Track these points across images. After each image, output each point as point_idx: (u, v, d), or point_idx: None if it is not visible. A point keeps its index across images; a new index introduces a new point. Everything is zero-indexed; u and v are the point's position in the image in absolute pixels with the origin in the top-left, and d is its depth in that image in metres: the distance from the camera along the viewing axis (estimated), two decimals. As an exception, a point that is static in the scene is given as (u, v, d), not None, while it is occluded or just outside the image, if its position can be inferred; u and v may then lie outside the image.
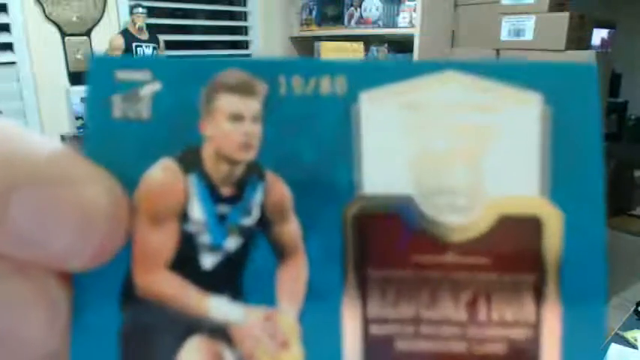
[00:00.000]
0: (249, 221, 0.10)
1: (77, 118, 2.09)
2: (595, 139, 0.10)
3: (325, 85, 0.10)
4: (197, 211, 0.10)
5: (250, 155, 0.10)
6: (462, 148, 0.10)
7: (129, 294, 0.10)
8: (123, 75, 0.10)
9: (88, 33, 2.13)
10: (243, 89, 0.10)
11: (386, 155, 0.10)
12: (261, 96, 0.10)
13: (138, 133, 0.10)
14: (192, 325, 0.10)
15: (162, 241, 0.10)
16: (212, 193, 0.10)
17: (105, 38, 2.13)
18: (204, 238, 0.10)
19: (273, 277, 0.10)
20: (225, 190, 0.10)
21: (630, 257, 2.83)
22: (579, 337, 0.10)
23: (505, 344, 0.10)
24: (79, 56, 2.12)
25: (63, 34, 2.08)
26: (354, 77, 0.10)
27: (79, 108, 2.12)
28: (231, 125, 0.10)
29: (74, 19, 2.09)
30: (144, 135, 0.10)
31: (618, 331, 1.03)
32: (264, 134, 0.10)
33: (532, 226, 0.10)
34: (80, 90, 2.10)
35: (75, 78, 2.11)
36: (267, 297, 0.10)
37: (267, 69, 0.10)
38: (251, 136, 0.10)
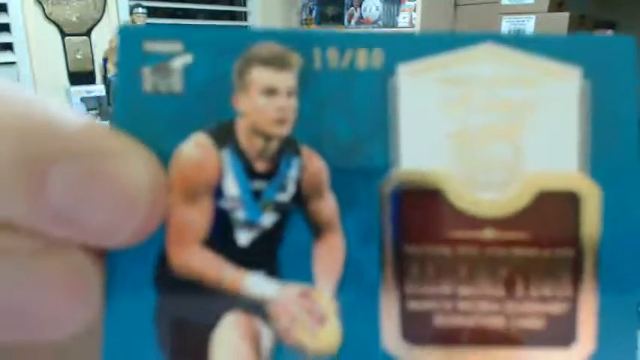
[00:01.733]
0: (284, 197, 0.10)
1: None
2: (632, 114, 0.10)
3: (362, 58, 0.10)
4: (231, 187, 0.10)
5: (285, 130, 0.10)
6: (501, 123, 0.10)
7: (163, 272, 0.10)
8: (152, 46, 0.10)
9: (88, 33, 2.13)
10: (277, 62, 0.10)
11: (424, 130, 0.10)
12: (295, 69, 0.10)
13: (169, 106, 0.10)
14: (228, 302, 0.10)
15: (196, 218, 0.10)
16: (246, 169, 0.10)
17: (105, 38, 2.13)
18: (240, 215, 0.10)
19: (309, 253, 0.10)
20: (260, 166, 0.10)
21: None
22: (615, 315, 0.10)
23: (542, 319, 0.10)
24: (79, 56, 2.12)
25: (63, 34, 2.08)
26: (391, 50, 0.10)
27: (79, 108, 2.12)
28: (266, 99, 0.10)
29: (74, 19, 2.09)
30: (176, 109, 0.10)
31: None
32: (299, 109, 0.10)
33: (571, 202, 0.10)
34: (80, 90, 2.10)
35: (75, 78, 2.11)
36: (303, 273, 0.10)
37: (302, 41, 0.10)
38: (286, 111, 0.10)
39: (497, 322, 0.10)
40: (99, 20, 2.13)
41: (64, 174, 0.08)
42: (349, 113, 0.10)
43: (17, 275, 0.08)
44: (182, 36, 0.10)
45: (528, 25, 1.94)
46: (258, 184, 0.10)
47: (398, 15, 2.35)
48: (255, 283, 0.10)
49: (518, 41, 0.10)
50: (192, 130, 0.10)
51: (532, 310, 0.10)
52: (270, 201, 0.10)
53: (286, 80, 0.10)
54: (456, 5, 2.26)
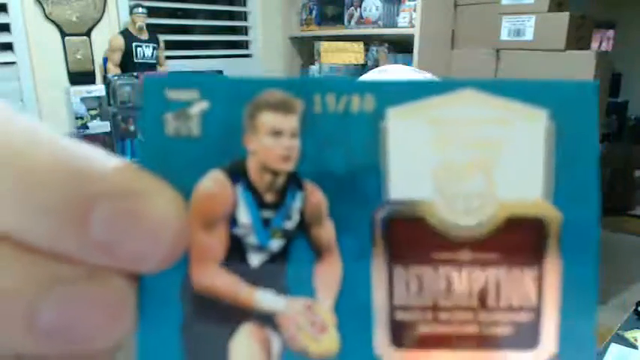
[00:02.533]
0: (290, 225, 0.12)
1: (77, 118, 2.09)
2: (593, 150, 0.11)
3: (355, 102, 0.11)
4: (244, 216, 0.11)
5: (290, 166, 0.11)
6: (478, 159, 0.11)
7: (187, 290, 0.11)
8: (173, 94, 0.11)
9: (88, 33, 2.11)
10: (282, 107, 0.11)
11: (410, 165, 0.11)
12: (298, 113, 0.11)
13: (189, 148, 0.11)
14: (243, 315, 0.11)
15: (214, 243, 0.11)
16: (257, 200, 0.11)
17: (105, 38, 2.12)
18: (251, 240, 0.11)
19: (311, 272, 0.11)
20: (269, 198, 0.11)
21: (630, 257, 2.85)
22: (574, 322, 0.11)
23: (510, 326, 0.11)
24: (79, 56, 2.11)
25: (63, 34, 2.06)
26: (381, 95, 0.11)
27: (79, 108, 2.12)
28: (273, 140, 0.11)
29: (74, 19, 2.07)
30: (195, 150, 0.11)
31: (618, 331, 1.03)
32: (301, 147, 0.11)
33: (536, 225, 0.11)
34: (80, 90, 2.09)
35: (75, 78, 2.10)
36: (306, 289, 0.11)
37: (304, 88, 0.11)
38: (290, 150, 0.11)
39: (472, 329, 0.11)
40: (99, 20, 2.12)
41: (104, 212, 0.09)
42: (345, 151, 0.11)
43: (69, 298, 0.10)
44: (199, 85, 0.11)
45: (528, 25, 1.91)
46: (267, 214, 0.11)
47: (398, 15, 2.34)
48: (266, 299, 0.11)
49: (494, 86, 0.11)
50: (209, 168, 0.11)
51: (502, 318, 0.11)
52: (278, 228, 0.11)
53: (290, 123, 0.11)
54: (456, 5, 2.25)
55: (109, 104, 1.87)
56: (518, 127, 0.11)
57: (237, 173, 0.11)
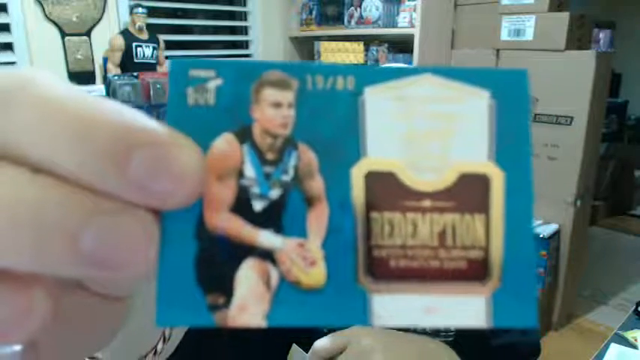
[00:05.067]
0: (286, 178, 0.14)
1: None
2: (525, 122, 0.14)
3: (340, 82, 0.14)
4: (249, 171, 0.14)
5: (287, 131, 0.14)
6: (435, 128, 0.14)
7: (201, 229, 0.14)
8: (194, 72, 0.14)
9: (88, 33, 2.12)
10: (281, 84, 0.14)
11: (382, 132, 0.14)
12: (294, 89, 0.14)
13: (206, 115, 0.14)
14: (247, 251, 0.14)
15: (225, 192, 0.14)
16: (260, 158, 0.14)
17: (105, 38, 2.12)
18: (255, 190, 0.14)
19: (304, 217, 0.14)
20: (270, 156, 0.14)
21: (630, 257, 2.86)
22: (516, 259, 0.14)
23: (465, 262, 0.14)
24: (79, 56, 2.11)
25: (63, 34, 2.06)
26: (360, 77, 0.14)
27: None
28: (273, 110, 0.14)
29: (74, 19, 2.07)
30: (210, 117, 0.14)
31: (618, 331, 1.04)
32: (296, 116, 0.14)
33: (483, 181, 0.14)
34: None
35: (75, 78, 2.09)
36: (300, 231, 0.14)
37: (298, 70, 0.14)
38: (287, 118, 0.14)
39: (434, 264, 0.14)
40: (99, 20, 2.13)
41: (141, 156, 0.11)
42: (331, 120, 0.14)
43: (108, 227, 0.11)
44: (215, 66, 0.14)
45: (528, 25, 1.90)
46: (268, 169, 0.14)
47: (398, 15, 2.34)
48: (266, 238, 0.14)
49: (448, 72, 0.14)
50: (222, 131, 0.14)
51: (457, 255, 0.14)
52: (277, 180, 0.14)
53: (287, 97, 0.14)
54: (456, 5, 2.25)
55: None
56: (466, 103, 0.14)
57: (245, 136, 0.14)
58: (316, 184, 0.14)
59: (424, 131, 0.14)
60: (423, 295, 0.14)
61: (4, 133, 0.11)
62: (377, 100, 0.14)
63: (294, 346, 0.49)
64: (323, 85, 0.14)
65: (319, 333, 0.46)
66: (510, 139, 0.14)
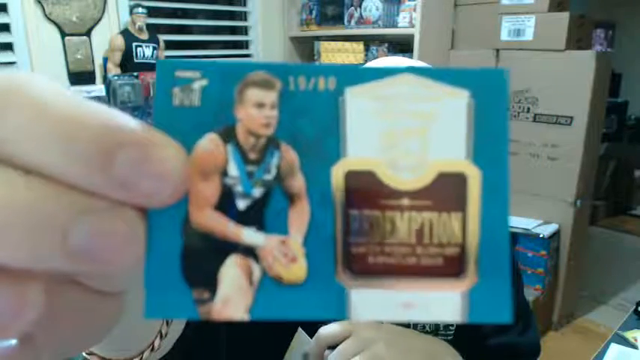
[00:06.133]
0: (269, 177, 0.14)
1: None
2: (504, 121, 0.14)
3: (321, 83, 0.14)
4: (233, 170, 0.14)
5: (270, 131, 0.14)
6: (414, 127, 0.14)
7: (187, 226, 0.14)
8: (180, 73, 0.14)
9: (88, 33, 2.10)
10: (264, 85, 0.14)
11: (362, 131, 0.14)
12: (277, 90, 0.14)
13: (191, 115, 0.14)
14: (231, 247, 0.14)
15: (209, 190, 0.14)
16: (243, 157, 0.14)
17: (105, 38, 2.11)
18: (238, 188, 0.14)
19: (285, 214, 0.14)
20: (253, 155, 0.14)
21: (630, 257, 2.86)
22: (490, 261, 0.14)
23: (441, 259, 0.14)
24: (79, 56, 2.10)
25: (63, 34, 2.05)
26: (341, 78, 0.14)
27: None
28: (257, 110, 0.14)
29: (74, 19, 2.06)
30: (195, 117, 0.14)
31: (618, 331, 1.04)
32: (279, 116, 0.14)
33: (460, 179, 0.14)
34: (80, 90, 2.08)
35: (75, 78, 2.09)
36: (281, 228, 0.14)
37: (282, 71, 0.14)
38: (270, 118, 0.14)
39: (411, 261, 0.14)
40: (99, 20, 2.11)
41: (126, 156, 0.12)
42: (313, 119, 0.14)
43: (96, 225, 0.12)
44: (201, 67, 0.14)
45: (528, 25, 1.91)
46: (251, 168, 0.14)
47: (398, 15, 2.34)
48: (249, 235, 0.14)
49: (427, 72, 0.14)
50: (206, 131, 0.14)
51: (434, 252, 0.14)
52: (259, 179, 0.14)
53: (271, 97, 0.14)
54: (456, 5, 2.25)
55: (109, 104, 1.88)
56: (445, 103, 0.14)
57: (229, 136, 0.14)
58: (297, 183, 0.14)
59: (403, 130, 0.14)
60: (401, 290, 0.14)
61: None
62: (357, 100, 0.14)
63: (299, 330, 0.50)
64: (305, 85, 0.14)
65: (323, 322, 0.47)
66: (488, 138, 0.14)
